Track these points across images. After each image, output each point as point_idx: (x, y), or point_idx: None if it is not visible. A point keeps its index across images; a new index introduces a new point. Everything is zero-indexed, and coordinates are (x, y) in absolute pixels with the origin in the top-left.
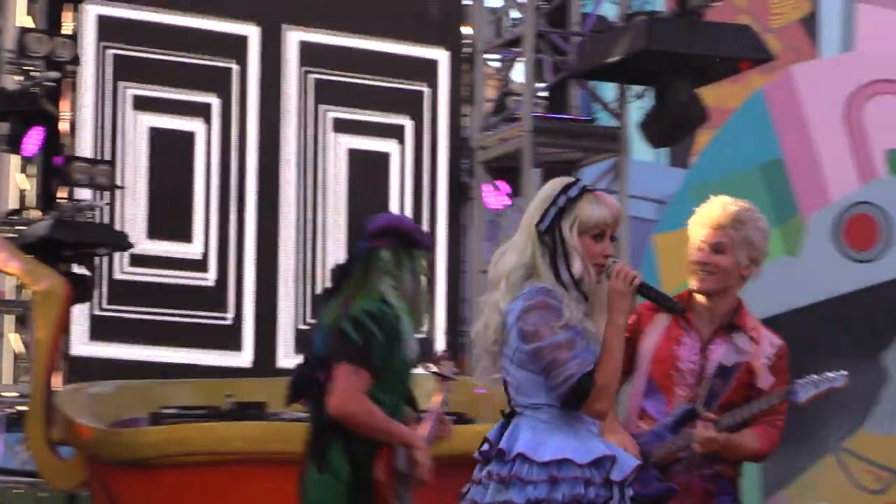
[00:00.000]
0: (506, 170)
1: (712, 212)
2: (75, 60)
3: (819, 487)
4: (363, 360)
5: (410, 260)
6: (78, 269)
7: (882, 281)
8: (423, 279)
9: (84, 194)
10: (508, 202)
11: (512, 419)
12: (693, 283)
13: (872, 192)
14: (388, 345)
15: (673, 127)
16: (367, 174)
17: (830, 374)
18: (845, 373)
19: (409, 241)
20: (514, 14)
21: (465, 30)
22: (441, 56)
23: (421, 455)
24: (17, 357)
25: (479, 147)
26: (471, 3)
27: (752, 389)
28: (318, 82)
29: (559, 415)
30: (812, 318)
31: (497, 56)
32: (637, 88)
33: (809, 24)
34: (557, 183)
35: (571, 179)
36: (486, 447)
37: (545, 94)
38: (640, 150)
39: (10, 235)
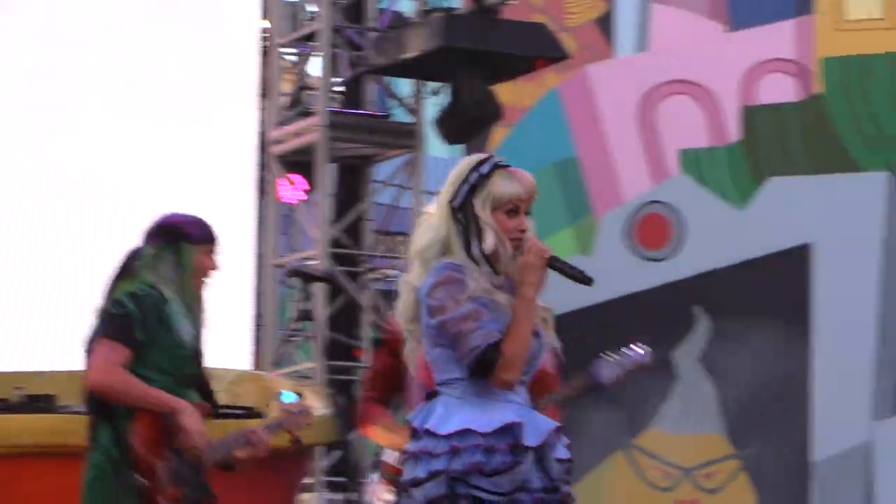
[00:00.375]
0: (302, 164)
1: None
2: None
3: (608, 485)
4: (120, 335)
5: (176, 254)
6: None
7: (672, 280)
8: (196, 270)
9: None
10: (304, 197)
11: (432, 398)
12: None
13: (664, 192)
14: (149, 322)
15: (467, 124)
16: None
17: (630, 351)
18: (646, 348)
19: (178, 235)
20: (311, 8)
21: (262, 23)
22: None
23: (187, 420)
24: None
25: (274, 141)
26: None
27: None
28: None
29: (471, 388)
30: (603, 316)
31: (293, 50)
32: (433, 85)
33: (605, 23)
34: (470, 160)
35: (484, 155)
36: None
37: (341, 89)
38: (437, 146)
39: None
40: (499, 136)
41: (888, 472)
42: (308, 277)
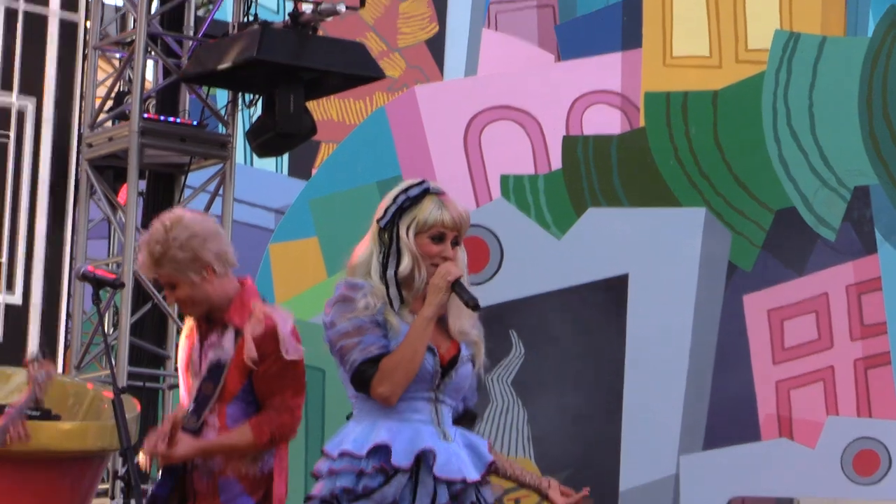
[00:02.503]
0: (115, 169)
1: (140, 261)
2: None
3: None
4: None
5: None
6: None
7: (489, 304)
8: None
9: None
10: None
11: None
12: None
13: (484, 216)
14: None
15: (279, 137)
16: None
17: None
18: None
19: None
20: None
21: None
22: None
23: None
24: None
25: (87, 144)
26: None
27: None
28: None
29: (367, 406)
30: None
31: (112, 54)
32: (249, 96)
33: (435, 45)
34: (404, 183)
35: (417, 181)
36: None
37: (154, 95)
38: (261, 160)
39: None
40: (325, 151)
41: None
42: (96, 282)
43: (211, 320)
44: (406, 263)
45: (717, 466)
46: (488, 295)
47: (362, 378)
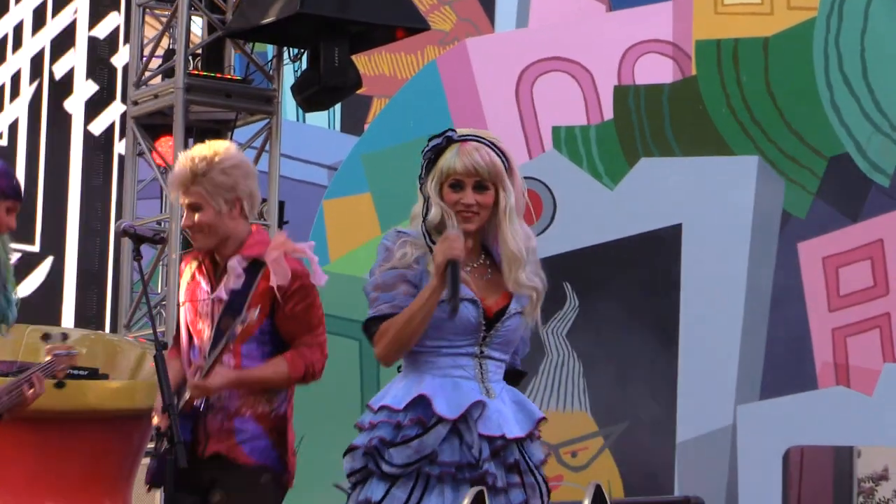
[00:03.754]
0: (159, 127)
1: (177, 172)
2: None
3: None
4: None
5: None
6: None
7: (542, 256)
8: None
9: None
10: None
11: None
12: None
13: (537, 168)
14: None
15: (325, 91)
16: None
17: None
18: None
19: None
20: None
21: None
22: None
23: None
24: None
25: (132, 101)
26: None
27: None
28: None
29: (412, 361)
30: None
31: (158, 11)
32: (294, 51)
33: None
34: (434, 137)
35: (443, 131)
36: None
37: (200, 51)
38: (315, 114)
39: None
40: (377, 106)
41: (749, 453)
42: (136, 238)
43: (215, 261)
44: (434, 213)
45: (775, 416)
46: (541, 247)
47: (368, 335)
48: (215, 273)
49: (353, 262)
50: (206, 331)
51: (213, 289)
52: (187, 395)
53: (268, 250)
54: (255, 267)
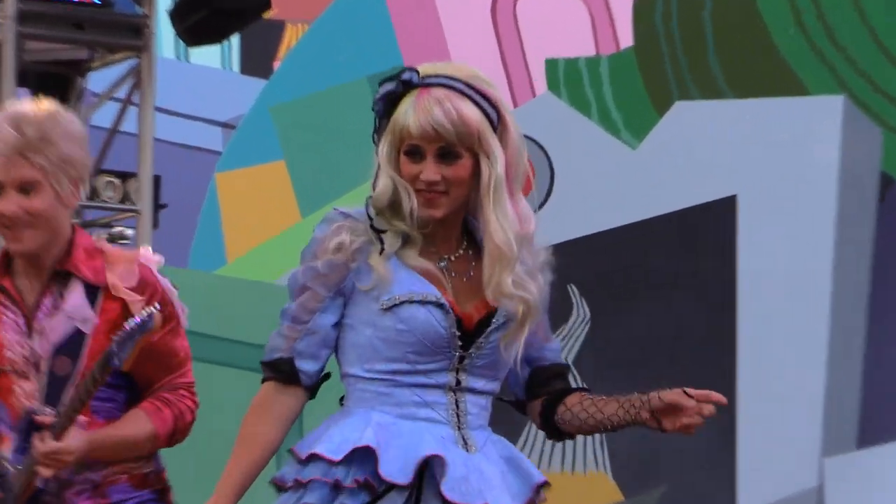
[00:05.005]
0: None
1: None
2: None
3: None
4: None
5: None
6: None
7: None
8: None
9: None
10: None
11: None
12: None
13: (526, 118)
14: None
15: (217, 16)
16: None
17: (138, 319)
18: (152, 310)
19: None
20: None
21: None
22: None
23: None
24: None
25: None
26: None
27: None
28: None
29: (361, 390)
30: None
31: None
32: None
33: None
34: (386, 81)
35: (399, 70)
36: None
37: None
38: (200, 51)
39: None
40: (292, 36)
41: None
42: None
43: (9, 269)
44: (382, 187)
45: (877, 471)
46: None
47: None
48: (43, 294)
49: (261, 262)
50: (24, 383)
51: (25, 318)
52: (21, 476)
53: (111, 273)
54: (94, 289)
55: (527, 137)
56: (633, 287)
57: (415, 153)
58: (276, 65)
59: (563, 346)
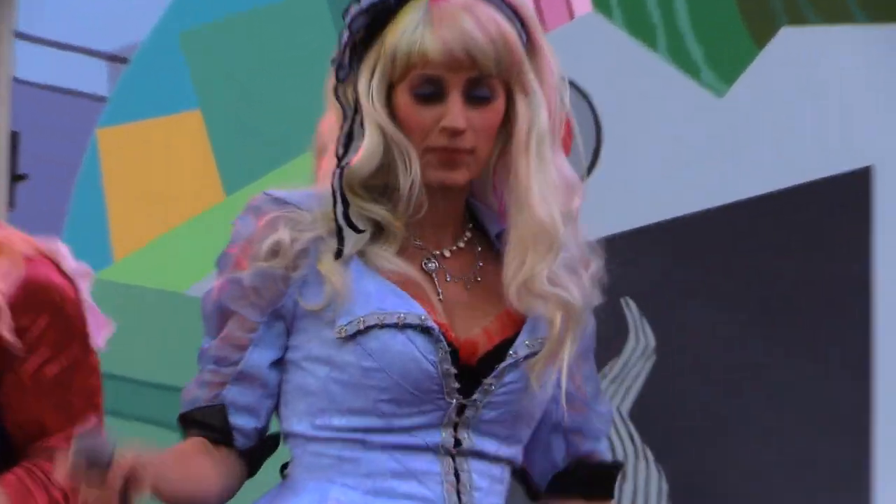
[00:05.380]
0: None
1: None
2: None
3: None
4: None
5: None
6: None
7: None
8: None
9: None
10: None
11: None
12: None
13: (561, 44)
14: None
15: None
16: None
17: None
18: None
19: None
20: None
21: None
22: None
23: None
24: None
25: None
26: None
27: None
28: None
29: (310, 454)
30: None
31: None
32: None
33: None
34: None
35: None
36: None
37: None
38: None
39: None
40: None
41: None
42: None
43: None
44: (370, 148)
45: None
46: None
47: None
48: None
49: (164, 263)
50: None
51: None
52: None
53: None
54: None
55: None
56: (720, 300)
57: (429, 91)
58: None
59: (613, 394)
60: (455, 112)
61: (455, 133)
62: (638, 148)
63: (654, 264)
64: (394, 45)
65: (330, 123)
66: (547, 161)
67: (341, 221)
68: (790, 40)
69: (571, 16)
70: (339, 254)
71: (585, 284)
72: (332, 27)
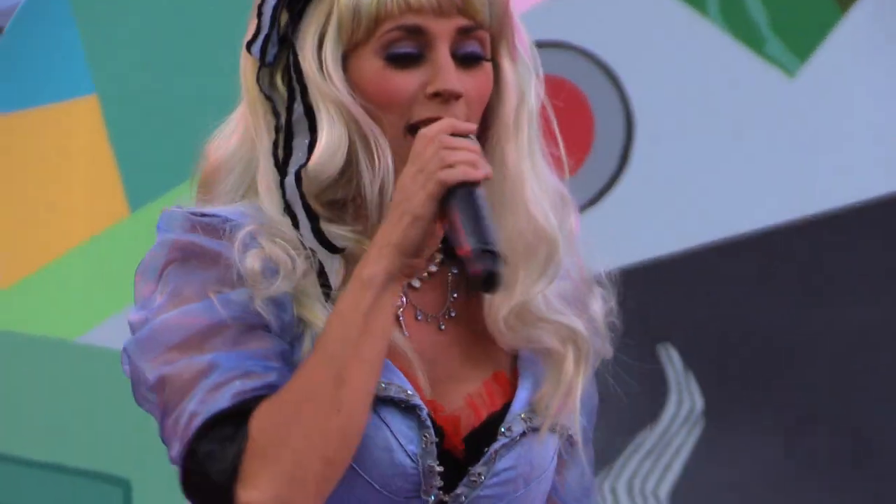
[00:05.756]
0: None
1: None
2: None
3: None
4: None
5: None
6: None
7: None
8: None
9: None
10: None
11: None
12: None
13: (580, 27)
14: None
15: None
16: None
17: None
18: None
19: None
20: None
21: None
22: None
23: None
24: None
25: None
26: None
27: None
28: None
29: None
30: None
31: None
32: None
33: None
34: None
35: None
36: None
37: None
38: None
39: None
40: None
41: None
42: None
43: None
44: (332, 140)
45: None
46: (597, 239)
47: (203, 464)
48: None
49: (52, 300)
50: None
51: None
52: None
53: None
54: None
55: (575, 49)
56: (784, 345)
57: (409, 49)
58: None
59: (649, 473)
60: (448, 70)
61: (450, 98)
62: (678, 148)
63: (700, 301)
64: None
65: (233, 121)
66: (536, 150)
67: (313, 242)
68: (879, 5)
69: None
70: (325, 289)
71: (598, 322)
72: None
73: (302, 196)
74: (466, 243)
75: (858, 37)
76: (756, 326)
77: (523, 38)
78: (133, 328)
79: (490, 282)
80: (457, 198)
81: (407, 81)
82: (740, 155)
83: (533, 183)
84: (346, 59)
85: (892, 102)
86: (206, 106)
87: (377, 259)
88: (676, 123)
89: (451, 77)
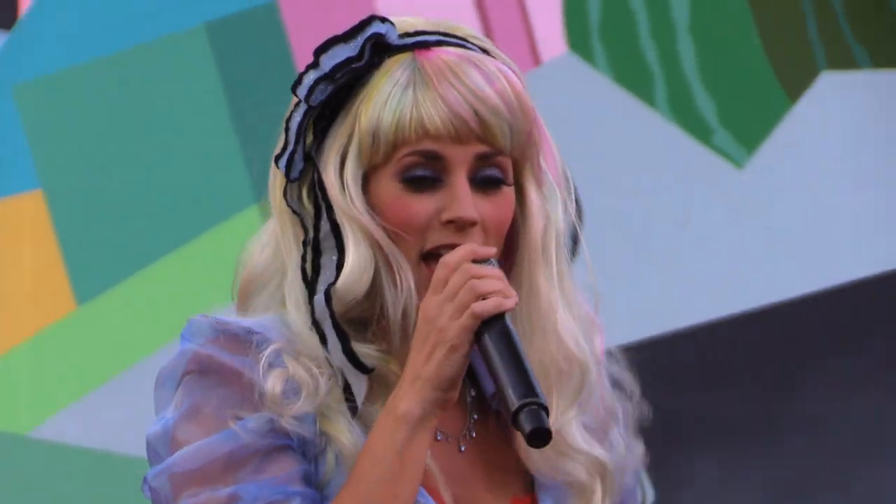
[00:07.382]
0: None
1: None
2: None
3: None
4: None
5: None
6: None
7: None
8: None
9: None
10: None
11: None
12: None
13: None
14: None
15: None
16: None
17: None
18: None
19: None
20: None
21: None
22: None
23: None
24: None
25: None
26: None
27: None
28: None
29: None
30: None
31: None
32: None
33: None
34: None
35: (365, 20)
36: None
37: None
38: None
39: None
40: None
41: None
42: None
43: None
44: (359, 261)
45: None
46: None
47: None
48: None
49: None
50: None
51: None
52: None
53: None
54: None
55: None
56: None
57: (426, 174)
58: (21, 13)
59: None
60: (463, 197)
61: (465, 226)
62: (625, 238)
63: (644, 390)
64: (374, 117)
65: (264, 236)
66: (566, 273)
67: (343, 361)
68: (830, 87)
69: (538, 60)
70: (349, 403)
71: (621, 451)
72: (217, 78)
73: (332, 315)
74: (511, 395)
75: (808, 126)
76: (694, 416)
77: (553, 158)
78: (150, 443)
79: (540, 437)
80: (493, 333)
81: (423, 206)
82: (688, 245)
83: (563, 308)
84: (366, 180)
85: (840, 191)
86: (152, 200)
87: (410, 394)
88: (624, 214)
89: (466, 204)
